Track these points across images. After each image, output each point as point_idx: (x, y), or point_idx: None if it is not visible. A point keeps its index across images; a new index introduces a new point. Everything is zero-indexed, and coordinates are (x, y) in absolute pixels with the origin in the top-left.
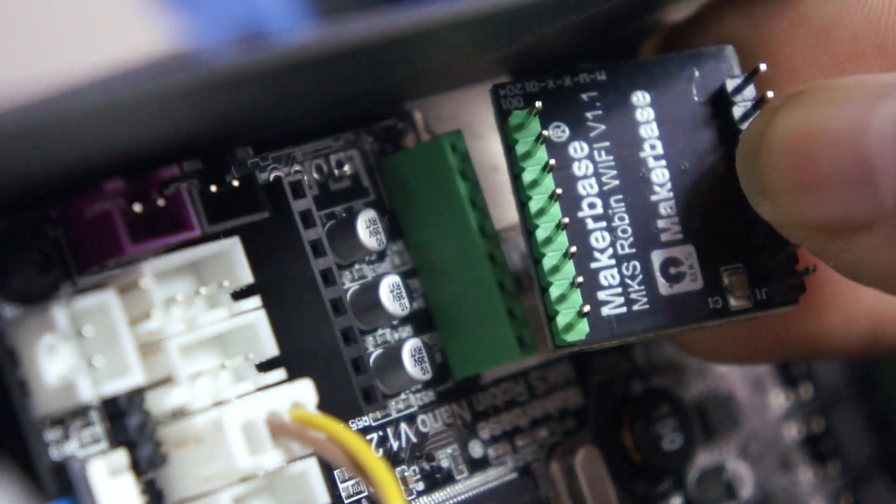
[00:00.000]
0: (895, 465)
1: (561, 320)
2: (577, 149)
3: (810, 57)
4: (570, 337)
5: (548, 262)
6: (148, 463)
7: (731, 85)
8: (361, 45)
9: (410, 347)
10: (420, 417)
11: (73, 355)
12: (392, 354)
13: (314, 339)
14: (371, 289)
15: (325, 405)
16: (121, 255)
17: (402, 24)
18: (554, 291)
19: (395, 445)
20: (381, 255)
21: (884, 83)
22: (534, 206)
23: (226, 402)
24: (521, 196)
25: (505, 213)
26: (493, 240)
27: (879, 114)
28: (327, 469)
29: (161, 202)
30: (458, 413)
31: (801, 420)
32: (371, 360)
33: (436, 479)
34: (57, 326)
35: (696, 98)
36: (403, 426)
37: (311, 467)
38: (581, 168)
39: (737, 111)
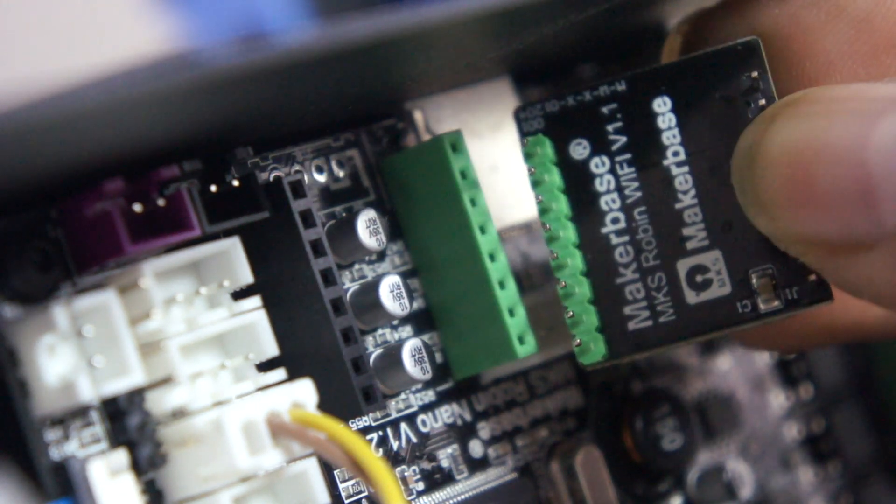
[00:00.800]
0: (895, 465)
1: (577, 343)
2: (599, 164)
3: (848, 49)
4: (588, 359)
5: (561, 288)
6: (148, 463)
7: (753, 82)
8: (361, 45)
9: (410, 347)
10: (420, 417)
11: (73, 355)
12: (392, 354)
13: (314, 339)
14: (371, 289)
15: (325, 405)
16: (121, 255)
17: (402, 24)
18: (569, 315)
19: (395, 445)
20: (381, 255)
21: (883, 97)
22: (547, 234)
23: (226, 402)
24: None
25: (505, 212)
26: (493, 239)
27: (880, 130)
28: (327, 469)
29: (161, 202)
30: (458, 413)
31: (801, 420)
32: (371, 360)
33: (436, 479)
34: (57, 326)
35: (718, 97)
36: (403, 426)
37: (311, 467)
38: (603, 183)
39: (755, 110)
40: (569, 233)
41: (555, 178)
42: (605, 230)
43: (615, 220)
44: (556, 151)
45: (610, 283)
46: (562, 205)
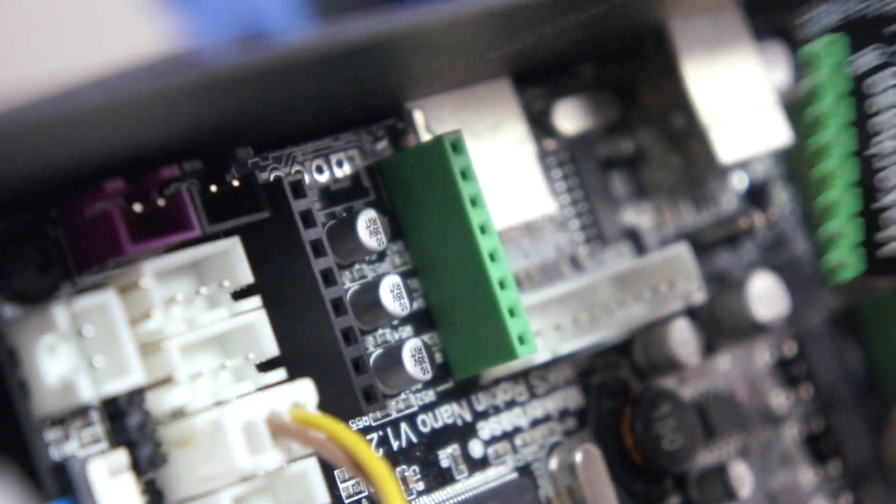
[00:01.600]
0: None
1: (832, 259)
2: (888, 77)
3: None
4: (843, 275)
5: (824, 199)
6: (148, 463)
7: None
8: (361, 45)
9: (410, 347)
10: (420, 417)
11: (73, 355)
12: (392, 354)
13: (314, 339)
14: (371, 289)
15: (325, 405)
16: (121, 255)
17: (402, 24)
18: (825, 230)
19: (395, 445)
20: (381, 255)
21: None
22: (813, 144)
23: (226, 402)
24: (805, 132)
25: (505, 212)
26: (493, 239)
27: None
28: (327, 469)
29: (161, 202)
30: (458, 413)
31: (801, 420)
32: (371, 360)
33: (436, 479)
34: (57, 326)
35: None
36: (403, 426)
37: (311, 467)
38: (888, 98)
39: None
40: (844, 141)
41: (841, 81)
42: (877, 149)
43: (889, 138)
44: (846, 56)
45: (871, 204)
46: (843, 111)
